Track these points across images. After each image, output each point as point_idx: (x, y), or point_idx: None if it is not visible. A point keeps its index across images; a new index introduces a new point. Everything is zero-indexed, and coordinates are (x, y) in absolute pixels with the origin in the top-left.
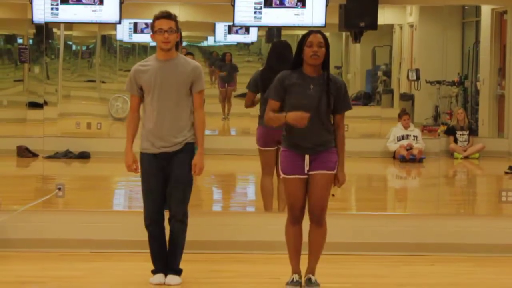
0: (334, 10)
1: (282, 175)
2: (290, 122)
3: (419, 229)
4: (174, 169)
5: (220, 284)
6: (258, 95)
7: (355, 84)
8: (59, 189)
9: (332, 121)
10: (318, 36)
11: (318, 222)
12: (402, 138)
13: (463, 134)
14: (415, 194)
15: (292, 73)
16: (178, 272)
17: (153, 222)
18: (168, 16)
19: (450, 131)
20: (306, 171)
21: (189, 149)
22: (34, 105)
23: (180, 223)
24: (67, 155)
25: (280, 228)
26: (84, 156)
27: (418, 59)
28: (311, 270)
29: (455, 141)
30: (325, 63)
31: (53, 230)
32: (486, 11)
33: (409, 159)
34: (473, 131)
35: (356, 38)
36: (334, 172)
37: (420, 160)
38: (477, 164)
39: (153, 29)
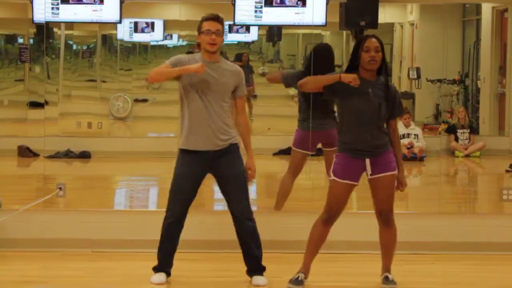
0: (335, 8)
1: (332, 177)
2: (345, 80)
3: (420, 227)
4: (226, 170)
5: (222, 283)
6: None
7: None
8: (60, 188)
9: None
10: (374, 41)
11: (388, 222)
12: (403, 136)
13: (464, 133)
14: (416, 192)
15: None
16: (263, 270)
17: (176, 221)
18: (216, 18)
19: (451, 130)
20: (369, 175)
21: (235, 149)
22: (35, 105)
23: (251, 221)
24: (68, 154)
25: (280, 227)
26: (85, 155)
27: (418, 57)
28: (386, 269)
29: (456, 139)
30: (382, 68)
31: (54, 229)
32: (486, 9)
33: (410, 157)
34: (474, 130)
35: (357, 36)
36: (396, 172)
37: (421, 159)
38: (478, 162)
39: (200, 30)
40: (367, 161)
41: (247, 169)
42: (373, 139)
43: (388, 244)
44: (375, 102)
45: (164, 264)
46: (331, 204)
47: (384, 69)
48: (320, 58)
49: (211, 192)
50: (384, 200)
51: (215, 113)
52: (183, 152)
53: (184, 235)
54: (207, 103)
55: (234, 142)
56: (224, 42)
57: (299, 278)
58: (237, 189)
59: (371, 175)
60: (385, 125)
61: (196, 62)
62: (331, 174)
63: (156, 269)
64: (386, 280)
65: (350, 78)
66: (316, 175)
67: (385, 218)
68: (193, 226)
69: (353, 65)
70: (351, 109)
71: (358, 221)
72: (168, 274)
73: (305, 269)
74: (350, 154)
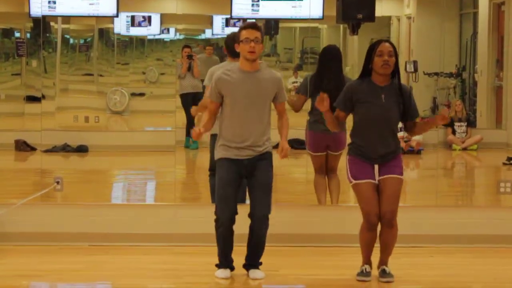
0: (332, 2)
1: (353, 182)
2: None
3: (417, 220)
4: (258, 175)
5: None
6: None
7: (353, 77)
8: (57, 182)
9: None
10: (388, 45)
11: (389, 224)
12: (400, 130)
13: (461, 126)
14: (413, 185)
15: (361, 83)
16: (259, 265)
17: (226, 226)
18: (254, 26)
19: (448, 123)
20: (376, 179)
21: (269, 157)
22: (32, 99)
23: (267, 221)
24: (65, 148)
25: (276, 220)
26: (82, 149)
27: (416, 51)
28: (383, 262)
29: (453, 132)
30: (395, 72)
31: (52, 223)
32: (483, 2)
33: (407, 150)
34: (471, 123)
35: (354, 30)
36: (402, 177)
37: (418, 152)
38: (475, 155)
39: (239, 39)
40: (376, 167)
41: (280, 148)
42: (384, 147)
43: (387, 243)
44: (387, 107)
45: (225, 262)
46: (365, 208)
47: (397, 73)
48: (328, 60)
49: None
50: (387, 203)
51: (254, 123)
52: (222, 159)
53: (182, 228)
54: (246, 113)
55: (270, 150)
56: (222, 35)
57: (365, 271)
58: (262, 192)
59: (378, 178)
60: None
61: (234, 73)
62: (351, 179)
63: (219, 266)
64: (383, 273)
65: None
66: (311, 169)
67: (387, 220)
68: (191, 219)
69: (366, 70)
70: (363, 116)
71: (353, 214)
72: (232, 269)
73: (368, 262)
74: (361, 158)
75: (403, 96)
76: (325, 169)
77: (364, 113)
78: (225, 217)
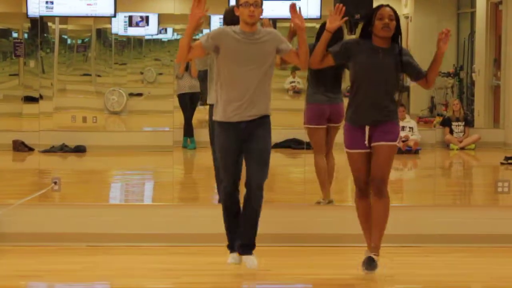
0: (329, 1)
1: (345, 149)
2: (331, 25)
3: (415, 220)
4: (255, 141)
5: (218, 277)
6: None
7: None
8: (55, 183)
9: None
10: (388, 9)
11: (379, 192)
12: (403, 129)
13: (458, 125)
14: (411, 185)
15: (360, 42)
16: (254, 247)
17: (227, 192)
18: None
19: (446, 122)
20: (366, 144)
21: (268, 121)
22: (29, 99)
23: (262, 191)
24: (63, 149)
25: (273, 220)
26: (80, 150)
27: (413, 50)
28: (375, 247)
29: (451, 132)
30: (396, 37)
31: (50, 224)
32: (481, 2)
33: (405, 150)
34: (468, 122)
35: (352, 29)
36: (395, 143)
37: (416, 152)
38: (473, 155)
39: (238, 3)
40: (367, 129)
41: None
42: (378, 110)
43: (377, 217)
44: (384, 67)
45: (231, 245)
46: (355, 175)
47: (399, 38)
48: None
49: (207, 185)
50: (376, 170)
51: (255, 84)
52: (219, 124)
53: (180, 228)
54: (247, 73)
55: (268, 114)
56: None
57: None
58: (260, 162)
59: (370, 143)
60: (396, 96)
61: (235, 33)
62: (345, 147)
63: (229, 248)
64: (368, 261)
65: (333, 17)
66: (309, 168)
67: (376, 187)
68: (189, 219)
69: (365, 33)
70: (359, 75)
71: (353, 214)
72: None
73: (369, 248)
74: (354, 124)
75: (404, 58)
76: (325, 148)
77: (360, 71)
78: (227, 181)
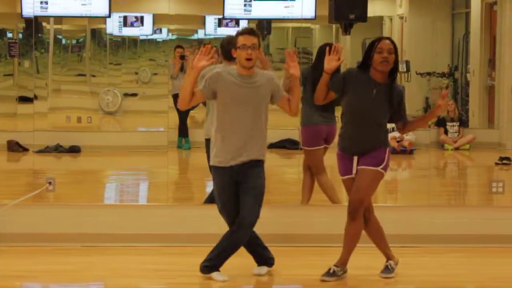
0: (324, 2)
1: (340, 176)
2: (329, 66)
3: (409, 220)
4: (249, 181)
5: (210, 277)
6: None
7: None
8: (50, 183)
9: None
10: (388, 43)
11: (353, 212)
12: (392, 130)
13: (453, 126)
14: (405, 185)
15: (359, 73)
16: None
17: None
18: (252, 32)
19: (441, 123)
20: (353, 173)
21: (262, 165)
22: (24, 100)
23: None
24: (57, 149)
25: (267, 221)
26: (74, 150)
27: (408, 50)
28: (341, 260)
29: (446, 132)
30: (393, 71)
31: (44, 224)
32: (476, 2)
33: (399, 150)
34: (463, 123)
35: (346, 30)
36: (377, 168)
37: (411, 152)
38: (468, 155)
39: (236, 45)
40: (355, 159)
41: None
42: (365, 138)
43: (347, 238)
44: (375, 103)
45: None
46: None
47: (396, 72)
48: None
49: (202, 185)
50: (355, 190)
51: (249, 129)
52: (216, 168)
53: (175, 229)
54: (243, 116)
55: (263, 159)
56: (213, 36)
57: (389, 267)
58: (254, 199)
59: (357, 167)
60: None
61: (231, 76)
62: (340, 174)
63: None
64: (327, 273)
65: (329, 58)
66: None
67: (352, 207)
68: (184, 219)
69: (365, 65)
70: (351, 105)
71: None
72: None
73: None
74: (344, 152)
75: (394, 98)
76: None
77: (353, 103)
78: (228, 222)
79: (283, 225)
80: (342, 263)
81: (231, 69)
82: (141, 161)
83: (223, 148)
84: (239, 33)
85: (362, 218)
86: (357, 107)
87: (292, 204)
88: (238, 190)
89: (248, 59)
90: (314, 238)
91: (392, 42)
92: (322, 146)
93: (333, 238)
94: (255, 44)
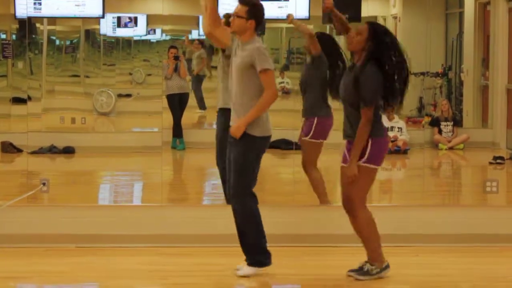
0: (318, 2)
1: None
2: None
3: (403, 220)
4: (231, 151)
5: (209, 278)
6: None
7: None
8: (44, 184)
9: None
10: (361, 26)
11: (348, 212)
12: (387, 130)
13: (447, 125)
14: (400, 185)
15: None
16: (249, 261)
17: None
18: (241, 0)
19: (435, 122)
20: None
21: (244, 136)
22: (18, 101)
23: (234, 203)
24: (51, 150)
25: (265, 222)
26: (68, 151)
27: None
28: (371, 257)
29: (440, 132)
30: (369, 54)
31: (38, 225)
32: (469, 2)
33: (394, 150)
34: (457, 122)
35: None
36: (359, 163)
37: (405, 152)
38: (462, 154)
39: None
40: (346, 142)
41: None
42: (348, 125)
43: (356, 233)
44: (344, 85)
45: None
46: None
47: (374, 55)
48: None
49: (196, 186)
50: (342, 189)
51: (234, 94)
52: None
53: (169, 229)
54: (232, 81)
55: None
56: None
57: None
58: (229, 171)
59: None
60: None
61: (237, 43)
62: None
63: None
64: (356, 269)
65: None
66: (298, 168)
67: (344, 206)
68: (178, 220)
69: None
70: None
71: (343, 214)
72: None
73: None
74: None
75: (355, 80)
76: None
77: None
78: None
79: (277, 225)
80: (374, 260)
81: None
82: (136, 162)
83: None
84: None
85: (361, 211)
86: (340, 88)
87: (286, 205)
88: None
89: (230, 26)
90: (309, 238)
91: (370, 25)
92: (325, 140)
93: (329, 238)
94: (238, 12)
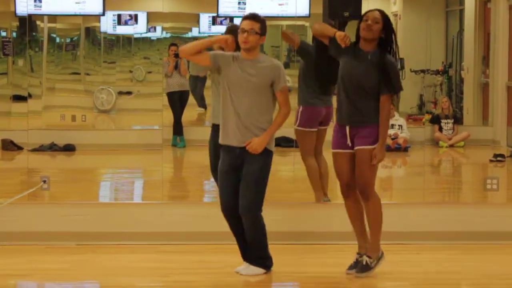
0: (318, 0)
1: (332, 150)
2: (338, 38)
3: (404, 217)
4: (245, 167)
5: (206, 275)
6: None
7: None
8: (44, 181)
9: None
10: (376, 13)
11: (363, 196)
12: (392, 127)
13: (448, 123)
14: (400, 183)
15: (351, 45)
16: (255, 261)
17: (226, 217)
18: (252, 17)
19: (435, 120)
20: (349, 145)
21: (262, 151)
22: (18, 98)
23: (248, 216)
24: (52, 147)
25: (265, 220)
26: (69, 148)
27: (402, 48)
28: (369, 248)
29: (440, 129)
30: (383, 42)
31: (39, 223)
32: None
33: (394, 148)
34: (457, 120)
35: (341, 27)
36: (373, 146)
37: (405, 149)
38: (462, 152)
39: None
40: (347, 128)
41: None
42: (353, 111)
43: (368, 219)
44: (361, 71)
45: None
46: (337, 176)
47: (387, 43)
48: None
49: (197, 184)
50: (358, 173)
51: (246, 111)
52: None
53: (169, 227)
54: (242, 100)
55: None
56: (209, 33)
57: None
58: (246, 186)
59: (352, 147)
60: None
61: (235, 59)
62: (331, 147)
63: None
64: (355, 264)
65: (342, 36)
66: (298, 166)
67: (360, 191)
68: (178, 217)
69: (357, 37)
70: (341, 73)
71: (341, 212)
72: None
73: (360, 249)
74: (338, 122)
75: (383, 65)
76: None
77: (342, 70)
78: (222, 208)
79: (276, 223)
80: (369, 250)
81: (239, 53)
82: (136, 160)
83: (225, 126)
84: (243, 18)
85: (372, 196)
86: (345, 72)
87: (286, 202)
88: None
89: (244, 42)
90: (307, 235)
91: (382, 13)
92: (316, 129)
93: (327, 236)
94: (253, 28)
